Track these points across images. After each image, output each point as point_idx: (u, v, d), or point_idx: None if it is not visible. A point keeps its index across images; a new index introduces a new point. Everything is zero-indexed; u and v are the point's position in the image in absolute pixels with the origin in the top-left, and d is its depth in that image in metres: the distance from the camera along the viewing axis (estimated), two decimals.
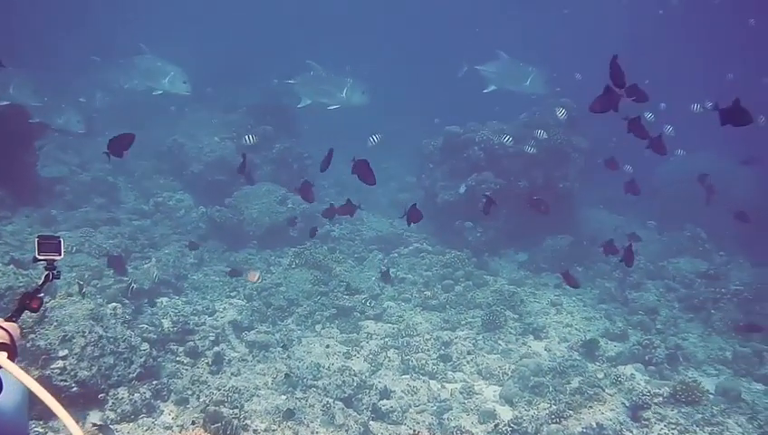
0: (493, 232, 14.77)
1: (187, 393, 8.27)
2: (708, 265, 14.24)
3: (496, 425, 8.31)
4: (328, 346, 10.08)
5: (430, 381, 9.50)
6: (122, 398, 7.53)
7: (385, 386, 8.95)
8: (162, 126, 18.96)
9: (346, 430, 7.82)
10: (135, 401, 7.57)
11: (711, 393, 9.15)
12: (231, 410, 7.85)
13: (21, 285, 7.94)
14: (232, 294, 11.75)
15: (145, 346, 8.31)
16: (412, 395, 9.01)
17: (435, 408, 8.79)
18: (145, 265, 11.46)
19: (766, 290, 12.37)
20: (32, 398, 2.34)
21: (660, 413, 8.41)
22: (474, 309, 11.87)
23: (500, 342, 10.78)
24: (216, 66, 20.76)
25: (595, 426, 8.20)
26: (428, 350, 10.25)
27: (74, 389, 7.28)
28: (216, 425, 7.35)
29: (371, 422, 8.22)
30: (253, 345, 9.89)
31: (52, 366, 7.26)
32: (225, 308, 11.03)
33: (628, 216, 17.67)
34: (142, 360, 8.11)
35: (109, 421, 7.27)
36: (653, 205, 17.99)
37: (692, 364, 10.64)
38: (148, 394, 7.76)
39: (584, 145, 15.58)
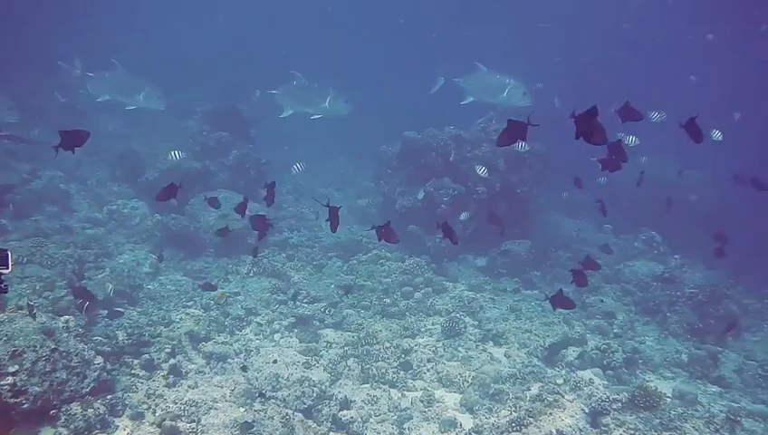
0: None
1: (143, 408, 8.10)
2: (664, 268, 14.49)
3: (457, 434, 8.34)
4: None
5: (391, 389, 9.45)
6: (75, 414, 7.33)
7: (345, 396, 8.89)
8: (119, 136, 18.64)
9: None
10: (89, 417, 7.38)
11: (668, 397, 9.31)
12: (188, 425, 7.72)
13: None
14: (188, 303, 11.48)
15: (99, 360, 8.09)
16: (372, 405, 8.96)
17: (395, 417, 8.76)
18: (99, 276, 11.19)
19: (720, 292, 12.64)
20: None
21: (619, 419, 8.52)
22: (433, 316, 11.90)
23: (460, 349, 10.80)
24: (174, 71, 20.40)
25: (555, 433, 8.26)
26: (389, 358, 10.18)
27: (25, 405, 7.05)
28: None
29: (331, 434, 8.15)
30: (210, 357, 9.72)
31: (1, 382, 7.00)
32: (181, 318, 10.73)
33: (586, 219, 17.86)
34: (96, 374, 7.90)
35: None
36: (613, 209, 18.20)
37: (649, 368, 10.81)
38: (102, 409, 7.58)
39: (541, 150, 15.71)
